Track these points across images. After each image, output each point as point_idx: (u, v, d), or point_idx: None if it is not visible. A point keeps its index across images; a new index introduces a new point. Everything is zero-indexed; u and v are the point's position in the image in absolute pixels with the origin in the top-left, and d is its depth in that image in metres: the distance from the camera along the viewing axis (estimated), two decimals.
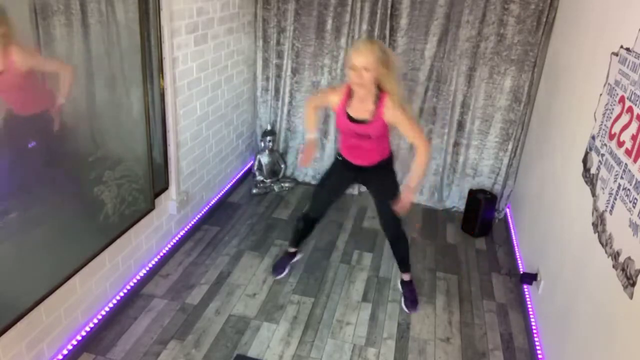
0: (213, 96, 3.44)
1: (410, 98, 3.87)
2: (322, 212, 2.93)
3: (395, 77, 2.42)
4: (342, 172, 2.75)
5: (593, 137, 2.24)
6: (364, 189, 3.93)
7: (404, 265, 2.93)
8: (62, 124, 2.11)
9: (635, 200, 1.70)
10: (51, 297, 2.11)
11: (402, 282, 2.98)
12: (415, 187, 2.54)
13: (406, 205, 2.54)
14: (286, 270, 3.07)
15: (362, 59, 2.29)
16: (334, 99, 2.53)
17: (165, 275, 3.00)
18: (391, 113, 2.39)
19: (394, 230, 2.80)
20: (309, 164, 2.88)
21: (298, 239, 3.07)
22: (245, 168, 4.32)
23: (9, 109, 1.86)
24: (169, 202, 3.03)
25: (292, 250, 3.12)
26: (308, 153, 2.72)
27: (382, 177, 2.69)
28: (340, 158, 2.71)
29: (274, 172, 4.22)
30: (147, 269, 2.90)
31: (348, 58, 2.36)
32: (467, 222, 3.73)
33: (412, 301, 2.88)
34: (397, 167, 2.76)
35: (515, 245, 3.49)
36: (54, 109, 2.07)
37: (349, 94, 2.48)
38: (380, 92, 2.40)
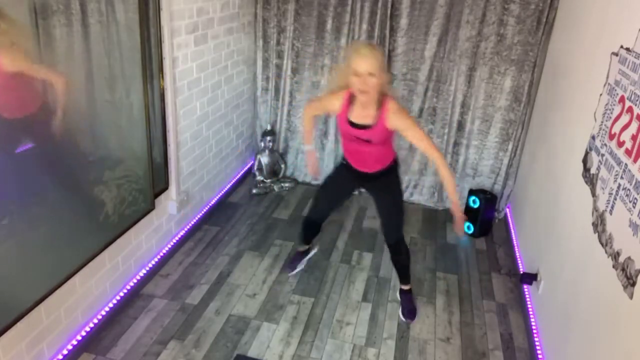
0: (213, 96, 3.44)
1: (411, 98, 3.88)
2: (322, 216, 2.85)
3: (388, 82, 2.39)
4: (345, 177, 2.67)
5: (593, 137, 2.24)
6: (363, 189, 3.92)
7: (404, 276, 2.85)
8: (62, 124, 2.11)
9: (635, 200, 1.70)
10: (51, 297, 2.11)
11: (401, 291, 2.90)
12: (457, 199, 2.47)
13: (462, 221, 2.50)
14: (299, 267, 3.01)
15: (367, 65, 2.18)
16: (335, 105, 2.43)
17: (165, 275, 3.00)
18: (397, 117, 2.30)
19: (395, 239, 2.72)
20: (318, 171, 2.91)
21: (307, 238, 3.00)
22: (245, 168, 4.32)
23: None
24: (169, 202, 3.03)
25: (303, 248, 3.05)
26: (312, 163, 2.81)
27: (385, 185, 2.60)
28: (344, 162, 2.64)
29: (274, 172, 4.22)
30: (147, 269, 2.90)
31: (350, 64, 2.24)
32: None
33: (409, 311, 2.82)
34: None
35: (515, 245, 3.49)
36: (46, 113, 2.04)
37: (350, 100, 2.37)
38: (382, 96, 2.31)
